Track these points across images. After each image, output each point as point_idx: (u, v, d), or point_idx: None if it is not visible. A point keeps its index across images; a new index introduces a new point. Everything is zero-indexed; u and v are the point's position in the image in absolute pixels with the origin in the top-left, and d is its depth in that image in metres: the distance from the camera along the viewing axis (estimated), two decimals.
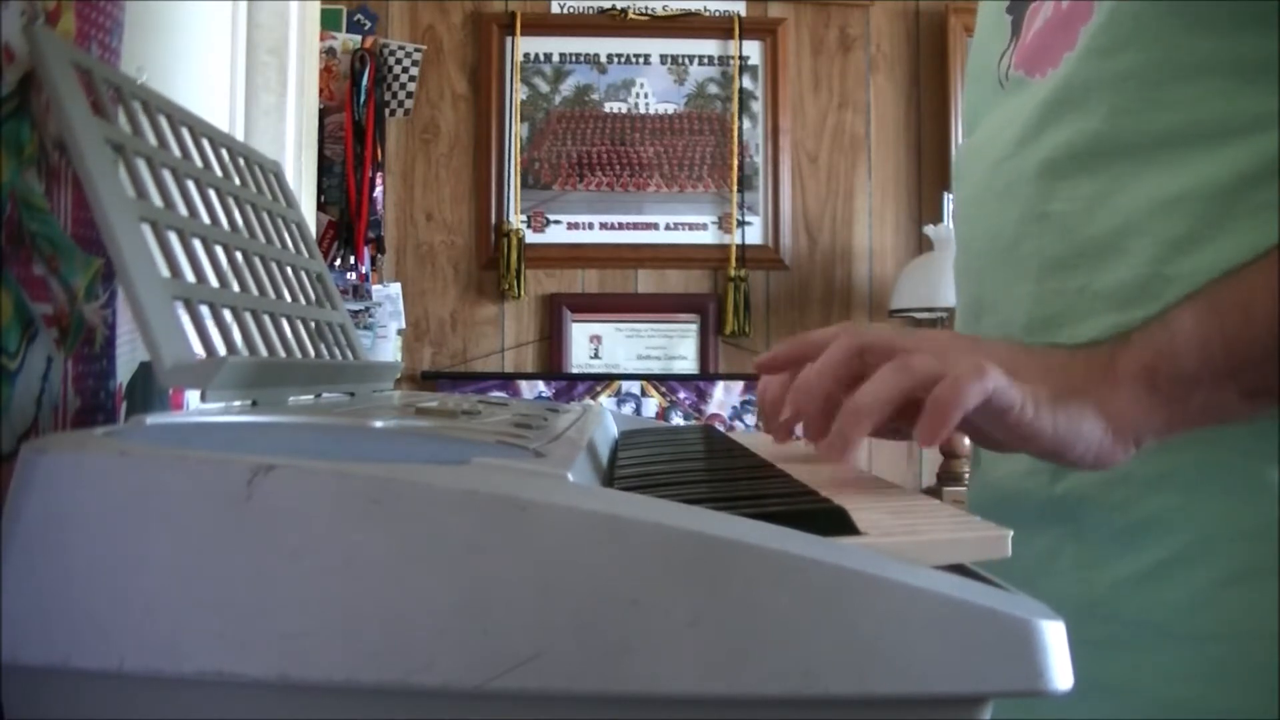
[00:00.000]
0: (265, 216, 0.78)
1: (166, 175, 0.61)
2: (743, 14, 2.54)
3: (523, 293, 2.45)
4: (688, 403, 2.43)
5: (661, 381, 2.44)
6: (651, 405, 2.43)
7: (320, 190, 2.21)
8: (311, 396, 0.73)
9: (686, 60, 2.54)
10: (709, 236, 2.50)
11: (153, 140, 0.63)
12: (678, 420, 2.40)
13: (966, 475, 2.27)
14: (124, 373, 0.68)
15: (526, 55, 2.51)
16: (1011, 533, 0.41)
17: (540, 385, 2.43)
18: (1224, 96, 0.58)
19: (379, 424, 0.54)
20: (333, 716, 0.34)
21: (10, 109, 0.54)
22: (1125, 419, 0.53)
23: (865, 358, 0.53)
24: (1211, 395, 0.53)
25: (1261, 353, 0.52)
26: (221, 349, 0.58)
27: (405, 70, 2.44)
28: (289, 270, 0.77)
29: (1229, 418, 0.55)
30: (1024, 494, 0.66)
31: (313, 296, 0.82)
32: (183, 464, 0.34)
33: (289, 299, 0.75)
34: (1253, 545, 0.56)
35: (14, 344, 0.54)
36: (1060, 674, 0.34)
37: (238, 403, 0.57)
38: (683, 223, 2.51)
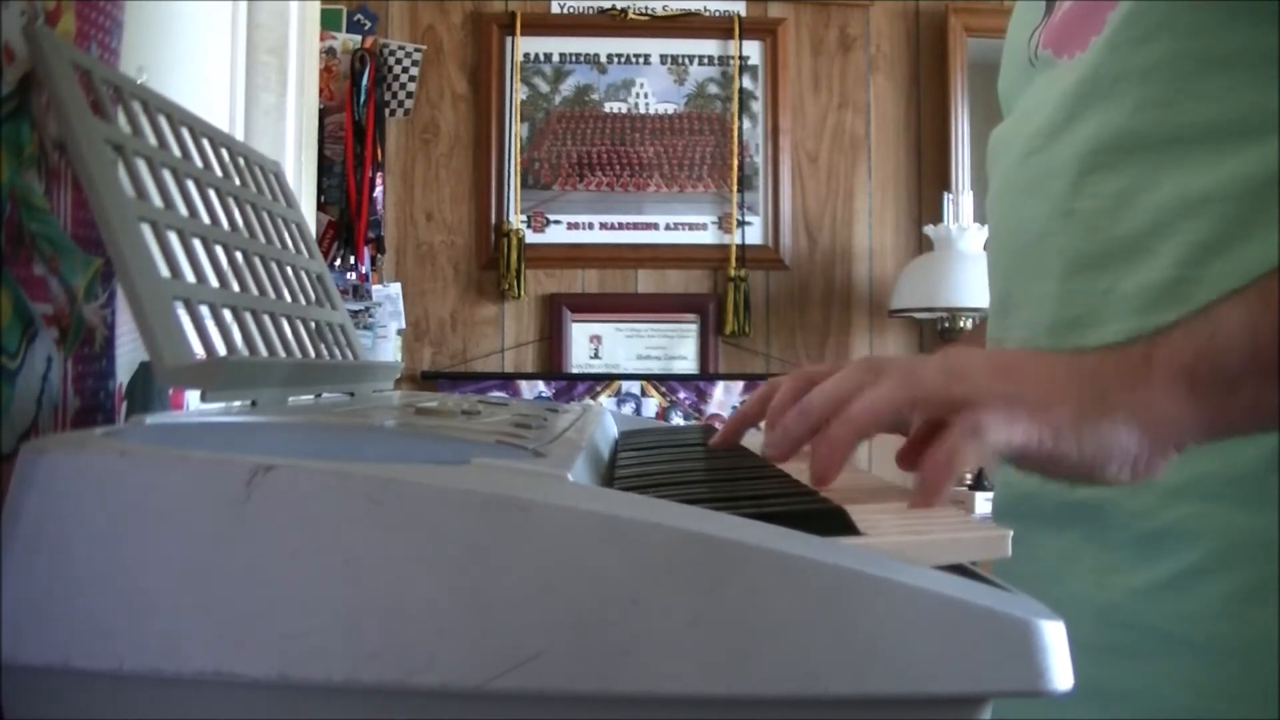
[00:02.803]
0: (265, 216, 0.78)
1: (166, 175, 0.61)
2: (743, 14, 2.53)
3: (523, 293, 2.45)
4: (688, 403, 2.43)
5: (661, 381, 2.44)
6: (651, 405, 2.43)
7: (320, 190, 2.20)
8: (311, 396, 0.73)
9: (686, 60, 2.54)
10: (709, 236, 2.50)
11: (152, 140, 0.63)
12: (678, 420, 2.40)
13: (967, 475, 2.27)
14: (124, 373, 0.68)
15: (526, 55, 2.51)
16: (1011, 533, 0.41)
17: (540, 385, 2.43)
18: (1254, 90, 0.57)
19: (379, 424, 0.54)
20: (333, 716, 0.34)
21: (10, 109, 0.54)
22: (1162, 424, 0.49)
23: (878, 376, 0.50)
24: (1257, 395, 0.49)
25: None
26: (221, 349, 0.58)
27: (405, 70, 2.44)
28: (289, 270, 0.77)
29: (1273, 421, 0.51)
30: (1044, 494, 0.64)
31: (313, 296, 0.82)
32: (183, 464, 0.34)
33: (289, 299, 0.75)
34: (1271, 559, 0.55)
35: (14, 344, 0.54)
36: (1060, 674, 0.34)
37: (238, 403, 0.57)
38: (683, 223, 2.51)
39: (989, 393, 0.48)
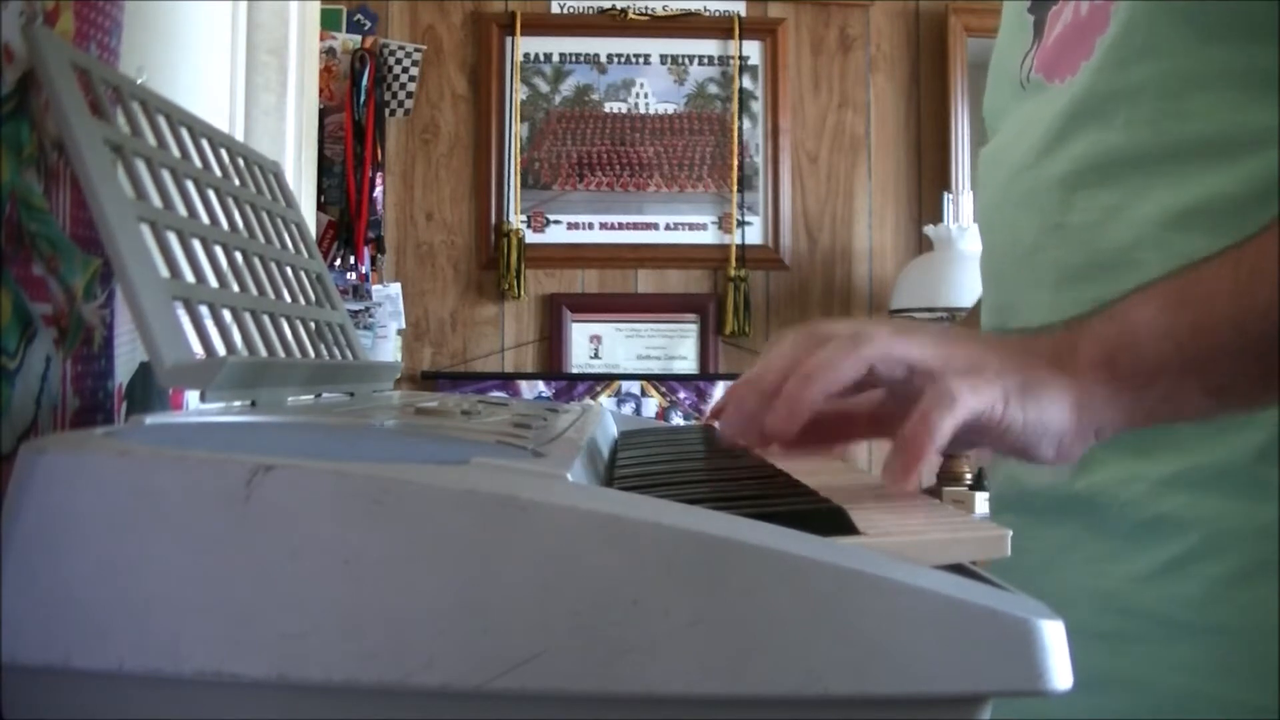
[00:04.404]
0: (265, 216, 0.78)
1: (166, 176, 0.61)
2: (743, 14, 2.53)
3: (523, 293, 2.45)
4: (688, 403, 2.43)
5: (661, 381, 2.44)
6: (651, 405, 2.43)
7: (320, 190, 2.20)
8: (311, 396, 0.73)
9: (686, 60, 2.54)
10: (709, 236, 2.50)
11: (152, 141, 0.63)
12: (678, 420, 2.40)
13: (967, 475, 2.27)
14: (124, 373, 0.68)
15: (526, 55, 2.51)
16: (1010, 533, 0.41)
17: (540, 385, 2.43)
18: (1237, 109, 0.59)
19: (379, 424, 0.54)
20: (333, 716, 0.34)
21: (9, 109, 0.54)
22: (1088, 405, 0.51)
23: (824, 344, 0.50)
24: (1172, 389, 0.52)
25: (1226, 348, 0.51)
26: (221, 349, 0.58)
27: (405, 70, 2.44)
28: (289, 270, 0.77)
29: (1190, 415, 0.54)
30: (1044, 488, 0.67)
31: (312, 296, 0.82)
32: (182, 464, 0.34)
33: (289, 299, 0.75)
34: (1262, 543, 0.57)
35: (13, 344, 0.54)
36: (1059, 674, 0.34)
37: (237, 403, 0.57)
38: (683, 223, 2.51)
39: (940, 353, 0.49)
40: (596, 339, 2.48)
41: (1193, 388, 0.52)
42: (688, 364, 2.48)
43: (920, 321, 0.61)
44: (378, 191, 2.36)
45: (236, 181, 0.75)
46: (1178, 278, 0.54)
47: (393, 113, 2.44)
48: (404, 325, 2.39)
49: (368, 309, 2.26)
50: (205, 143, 0.71)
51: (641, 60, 2.53)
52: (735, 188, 2.49)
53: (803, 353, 0.49)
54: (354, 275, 2.28)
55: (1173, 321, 0.52)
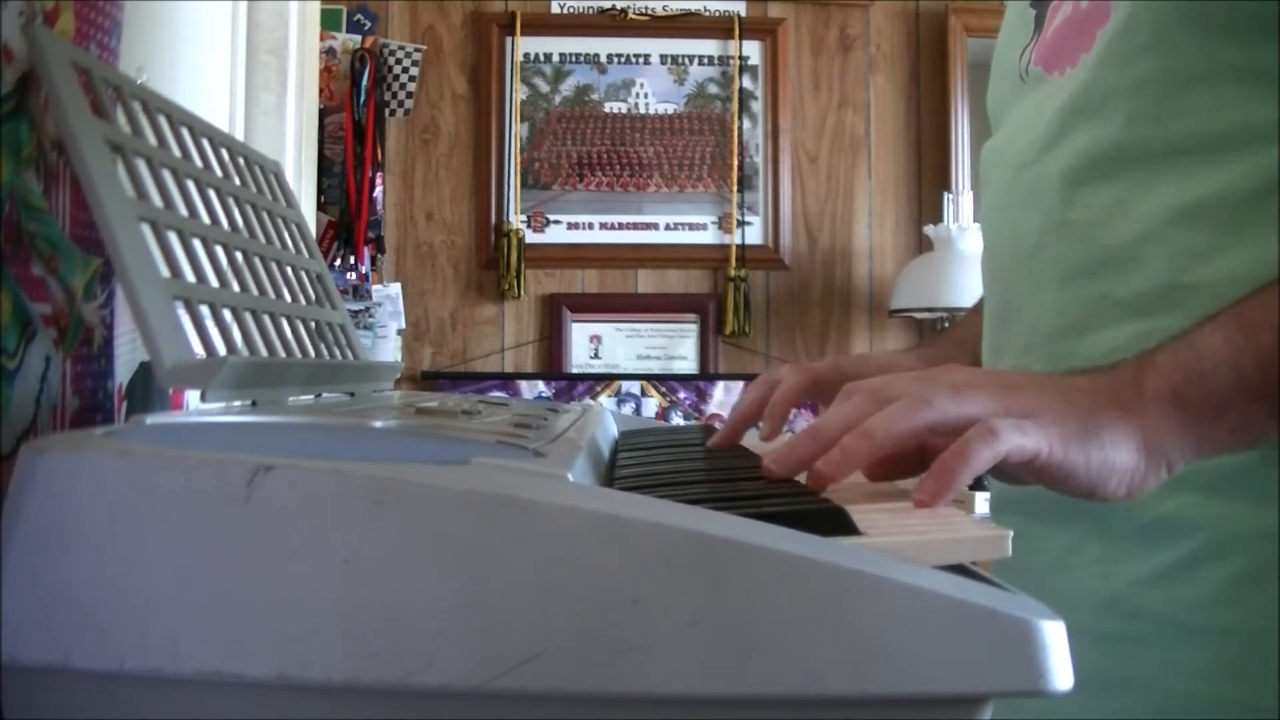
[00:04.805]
0: (265, 216, 0.77)
1: (166, 175, 0.61)
2: (743, 14, 2.53)
3: (523, 293, 2.45)
4: (688, 403, 2.43)
5: (661, 381, 2.44)
6: (651, 405, 2.43)
7: (320, 190, 2.20)
8: (311, 396, 0.73)
9: (686, 60, 2.54)
10: (709, 236, 2.50)
11: (152, 140, 0.63)
12: (678, 420, 2.40)
13: None
14: (124, 373, 0.68)
15: (526, 55, 2.51)
16: (1011, 533, 0.41)
17: (540, 385, 2.43)
18: (1240, 104, 0.58)
19: (379, 424, 0.54)
20: (333, 716, 0.34)
21: (9, 109, 0.54)
22: (1156, 444, 0.51)
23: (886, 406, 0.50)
24: (1243, 417, 0.52)
25: None
26: (221, 349, 0.58)
27: (405, 70, 2.44)
28: (289, 270, 0.77)
29: (1260, 440, 0.54)
30: (1046, 490, 0.66)
31: (313, 296, 0.82)
32: (183, 464, 0.34)
33: (289, 299, 0.75)
34: (1268, 545, 0.57)
35: (13, 344, 0.54)
36: (1060, 674, 0.34)
37: (238, 403, 0.57)
38: (683, 223, 2.51)
39: (1000, 407, 0.49)
40: (596, 339, 2.48)
41: (1261, 415, 0.52)
42: (688, 364, 2.48)
43: (981, 371, 0.60)
44: (378, 191, 2.36)
45: (237, 181, 0.75)
46: (1244, 304, 0.53)
47: (393, 113, 2.44)
48: (404, 325, 2.39)
49: (368, 309, 2.26)
50: (205, 142, 0.71)
51: (641, 60, 2.53)
52: (735, 188, 2.49)
53: (868, 411, 0.50)
54: (354, 275, 2.28)
55: (1241, 349, 0.51)
